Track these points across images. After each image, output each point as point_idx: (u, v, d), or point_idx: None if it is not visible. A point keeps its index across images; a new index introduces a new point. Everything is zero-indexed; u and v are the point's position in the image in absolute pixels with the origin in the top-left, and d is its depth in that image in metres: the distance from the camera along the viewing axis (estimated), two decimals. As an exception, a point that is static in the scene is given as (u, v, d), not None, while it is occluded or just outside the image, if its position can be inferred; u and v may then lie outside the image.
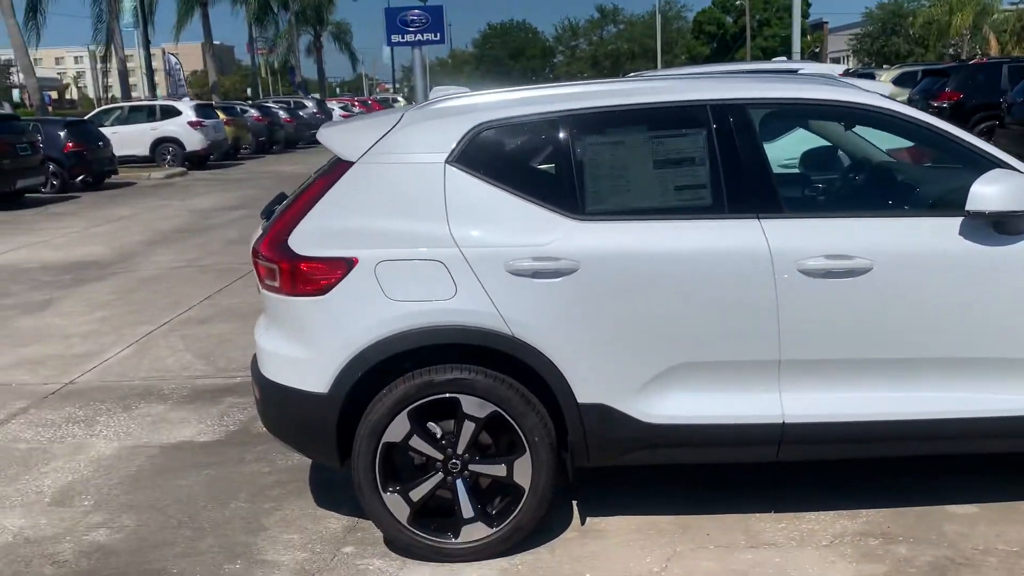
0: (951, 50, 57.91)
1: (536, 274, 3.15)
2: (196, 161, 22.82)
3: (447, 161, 3.26)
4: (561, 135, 3.28)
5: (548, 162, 3.34)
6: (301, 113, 31.75)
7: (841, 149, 4.27)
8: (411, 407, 3.21)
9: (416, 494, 3.30)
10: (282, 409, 3.38)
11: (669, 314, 3.17)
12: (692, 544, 3.37)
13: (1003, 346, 3.16)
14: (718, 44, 68.80)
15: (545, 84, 3.60)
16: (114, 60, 33.01)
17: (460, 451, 3.27)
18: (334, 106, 36.23)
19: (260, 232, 3.52)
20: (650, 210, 3.25)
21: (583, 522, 3.57)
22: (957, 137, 3.22)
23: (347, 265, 3.19)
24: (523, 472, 3.25)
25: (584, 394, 3.19)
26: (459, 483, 3.28)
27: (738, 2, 65.81)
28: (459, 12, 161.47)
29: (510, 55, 71.73)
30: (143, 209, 15.17)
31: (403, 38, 55.00)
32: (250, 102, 33.26)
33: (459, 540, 3.30)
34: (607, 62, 71.10)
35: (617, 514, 3.61)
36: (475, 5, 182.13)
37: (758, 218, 3.16)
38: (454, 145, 3.27)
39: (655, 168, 3.28)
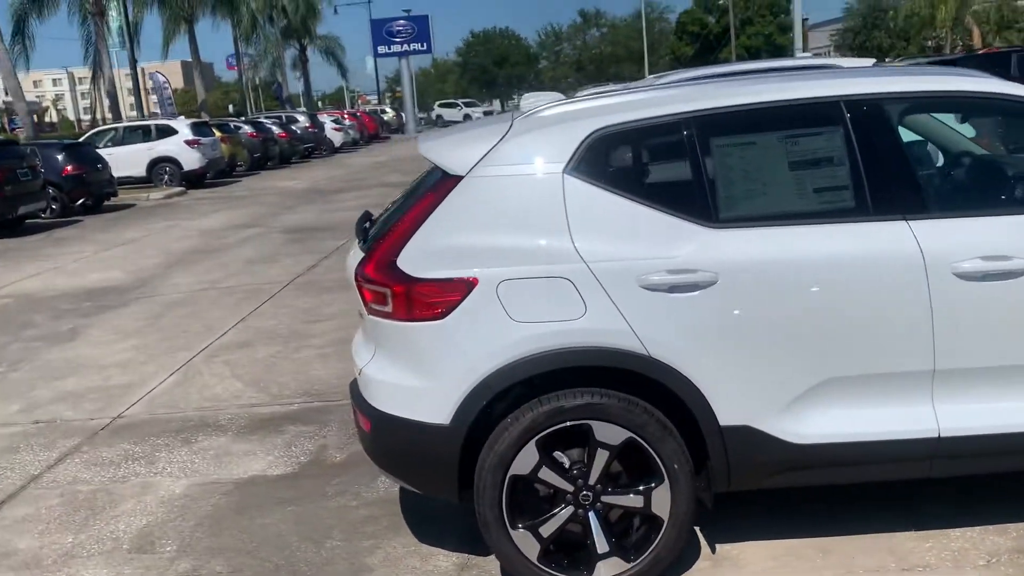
0: (931, 43, 58.23)
1: (673, 288, 2.93)
2: (193, 180, 22.52)
3: (565, 171, 3.05)
4: (686, 138, 3.06)
5: (673, 167, 3.12)
6: (294, 128, 31.46)
7: (933, 143, 4.09)
8: (540, 436, 2.99)
9: (546, 529, 3.07)
10: (398, 443, 3.14)
11: (815, 326, 2.96)
12: (840, 569, 3.16)
13: None
14: (701, 44, 68.89)
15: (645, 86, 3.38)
16: (103, 81, 32.61)
17: (592, 482, 3.04)
18: (325, 119, 35.92)
19: (359, 253, 3.30)
20: (789, 215, 3.03)
21: (713, 550, 3.36)
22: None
23: (467, 286, 2.97)
24: (661, 502, 3.03)
25: (727, 416, 2.98)
26: (591, 516, 3.06)
27: (720, 1, 65.89)
28: (440, 21, 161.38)
29: (494, 62, 71.56)
30: (151, 231, 14.87)
31: (389, 48, 55.00)
32: (243, 118, 32.92)
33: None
34: (591, 66, 71.10)
35: (747, 539, 3.40)
36: (456, 14, 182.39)
37: (905, 219, 2.96)
38: (571, 153, 3.06)
39: (791, 169, 3.07)
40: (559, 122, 3.15)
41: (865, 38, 64.65)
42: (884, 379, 3.00)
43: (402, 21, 49.31)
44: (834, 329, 2.96)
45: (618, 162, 3.09)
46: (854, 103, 3.05)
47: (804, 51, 23.41)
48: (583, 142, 3.06)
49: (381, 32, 49.60)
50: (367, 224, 3.57)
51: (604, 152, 3.07)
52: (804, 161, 3.06)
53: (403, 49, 49.95)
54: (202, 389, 5.98)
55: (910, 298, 2.93)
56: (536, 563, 3.07)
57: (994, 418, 2.99)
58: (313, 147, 32.82)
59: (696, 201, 3.01)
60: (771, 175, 3.08)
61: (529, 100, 3.67)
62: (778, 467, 3.06)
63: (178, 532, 3.92)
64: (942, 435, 2.99)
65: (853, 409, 3.01)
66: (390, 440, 3.16)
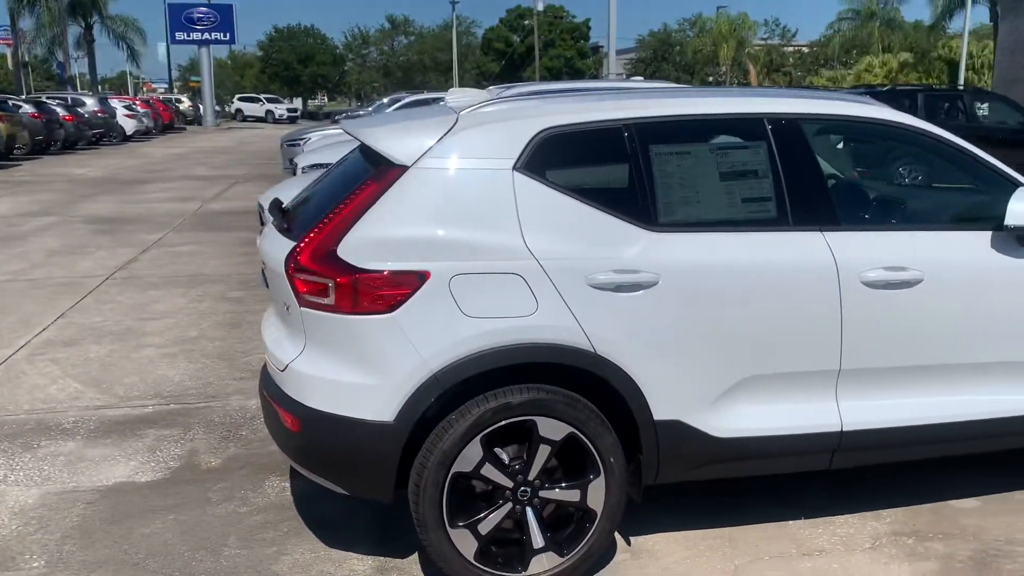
0: (712, 79, 63.22)
1: (618, 287, 3.02)
2: (-37, 161, 20.13)
3: (515, 167, 3.06)
4: (632, 143, 3.16)
5: (618, 171, 3.20)
6: (81, 111, 28.95)
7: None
8: (484, 432, 2.97)
9: (485, 527, 3.05)
10: (333, 442, 2.99)
11: (742, 327, 3.15)
12: (748, 557, 3.37)
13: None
14: (506, 62, 70.60)
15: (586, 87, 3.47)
16: None
17: (531, 477, 3.06)
18: (117, 105, 33.31)
19: (276, 239, 3.14)
20: (720, 222, 3.21)
21: (628, 543, 3.47)
22: (980, 157, 3.46)
23: (418, 279, 2.90)
24: (596, 495, 3.10)
25: (661, 411, 3.10)
26: (528, 511, 3.07)
27: (526, 22, 67.91)
28: (241, 14, 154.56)
29: (298, 60, 69.45)
30: (-79, 215, 13.15)
31: (188, 36, 52.00)
32: (23, 97, 29.88)
33: (527, 572, 3.08)
34: (399, 73, 70.79)
35: (657, 531, 3.54)
36: (258, 7, 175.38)
37: (821, 231, 3.22)
38: (520, 151, 3.08)
39: (722, 180, 3.25)
40: (507, 119, 3.16)
41: (655, 69, 68.89)
42: (795, 377, 3.24)
43: (203, 8, 46.82)
44: (756, 329, 3.16)
45: (566, 162, 3.13)
46: (775, 120, 3.29)
47: (614, 74, 24.69)
48: (531, 140, 3.09)
49: (179, 17, 46.83)
50: (283, 210, 3.39)
51: (552, 152, 3.10)
52: (733, 172, 3.25)
53: (203, 37, 47.44)
54: (32, 390, 5.38)
55: (824, 302, 3.19)
56: (473, 562, 3.04)
57: (889, 413, 3.32)
58: (102, 133, 30.36)
59: (639, 205, 3.12)
60: (705, 183, 3.24)
61: (455, 96, 3.65)
62: (701, 460, 3.22)
63: (42, 546, 3.52)
64: (844, 429, 3.28)
65: (767, 405, 3.23)
66: (324, 439, 3.01)
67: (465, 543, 3.03)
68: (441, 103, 3.67)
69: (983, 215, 3.40)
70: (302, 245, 3.02)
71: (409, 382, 2.91)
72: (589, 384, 3.06)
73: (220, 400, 5.18)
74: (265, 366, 3.46)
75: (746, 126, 3.32)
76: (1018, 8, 28.74)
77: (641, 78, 14.96)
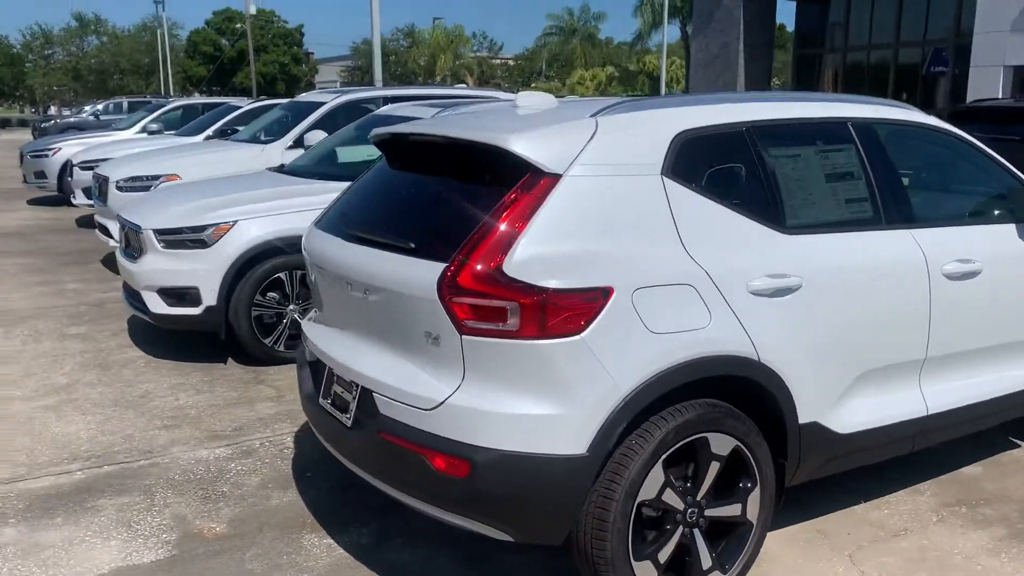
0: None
1: (774, 293, 2.99)
2: None
3: (663, 173, 2.92)
4: (759, 146, 3.15)
5: (747, 174, 3.15)
6: None
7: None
8: (666, 455, 2.80)
9: (664, 555, 2.89)
10: (516, 483, 2.65)
11: (862, 324, 3.26)
12: (851, 545, 3.48)
13: None
14: (216, 67, 66.92)
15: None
16: None
17: (699, 497, 2.94)
18: None
19: (359, 251, 2.85)
20: (834, 223, 3.29)
21: (737, 549, 3.44)
22: (998, 159, 3.87)
23: (603, 296, 2.67)
24: (753, 507, 3.06)
25: (804, 414, 3.12)
26: (695, 532, 2.95)
27: (238, 26, 64.81)
28: None
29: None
30: None
31: None
32: None
33: (698, 595, 2.96)
34: (92, 77, 64.34)
35: (754, 534, 3.55)
36: None
37: (908, 229, 3.42)
38: (663, 155, 2.95)
39: (827, 181, 3.34)
40: (645, 122, 3.01)
41: (371, 78, 69.01)
42: (893, 369, 3.41)
43: None
44: (872, 325, 3.29)
45: (702, 166, 3.04)
46: (859, 124, 3.45)
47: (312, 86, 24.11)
48: (671, 144, 2.97)
49: None
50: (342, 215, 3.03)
51: (689, 155, 3.01)
52: (836, 174, 3.35)
53: None
54: None
55: (919, 295, 3.39)
56: (653, 593, 2.87)
57: (960, 394, 3.60)
58: None
59: (771, 208, 3.11)
60: (816, 186, 3.31)
61: (531, 99, 3.43)
62: (827, 458, 3.28)
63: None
64: (928, 413, 3.51)
65: (872, 399, 3.36)
66: (504, 481, 2.65)
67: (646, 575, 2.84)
68: (521, 106, 3.41)
69: (1010, 211, 3.80)
70: (456, 266, 2.66)
71: (602, 409, 2.67)
72: (742, 395, 3.00)
73: (161, 455, 4.40)
74: (335, 405, 3.05)
75: (839, 131, 3.43)
76: (706, 29, 32.43)
77: (464, 85, 14.73)
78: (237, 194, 5.96)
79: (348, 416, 3.12)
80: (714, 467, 2.93)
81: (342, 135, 7.29)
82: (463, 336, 2.67)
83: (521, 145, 2.81)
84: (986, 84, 22.44)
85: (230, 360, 5.94)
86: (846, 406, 3.27)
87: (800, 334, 3.06)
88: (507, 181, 2.81)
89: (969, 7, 23.41)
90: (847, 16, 29.96)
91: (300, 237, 5.63)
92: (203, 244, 5.60)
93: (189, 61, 69.12)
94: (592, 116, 2.96)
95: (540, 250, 2.67)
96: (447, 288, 2.67)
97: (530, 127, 2.91)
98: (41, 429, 4.74)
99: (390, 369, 2.92)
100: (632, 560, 2.80)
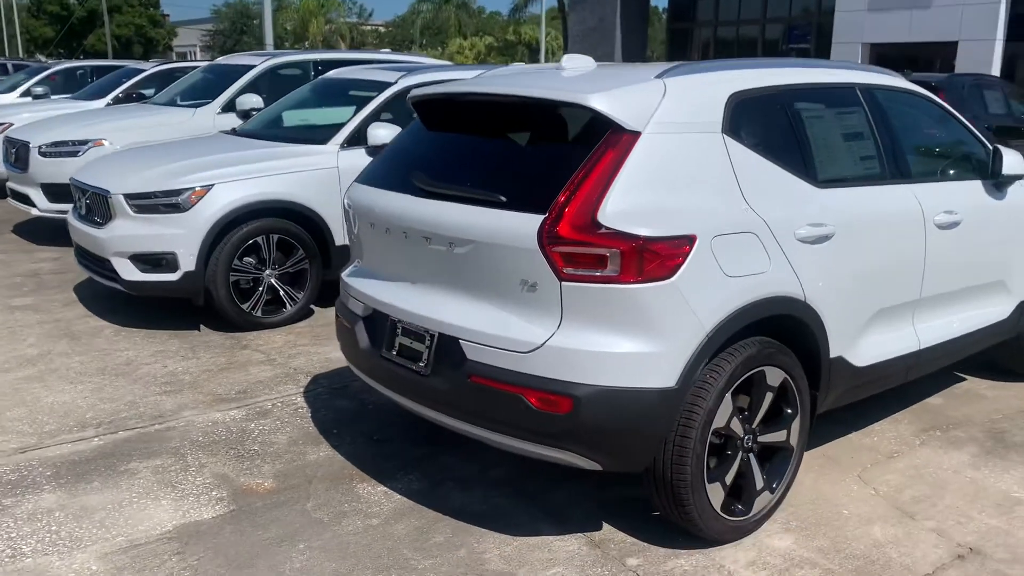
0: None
1: (816, 240, 3.32)
2: None
3: (723, 131, 3.19)
4: (799, 107, 3.46)
5: (786, 132, 3.45)
6: None
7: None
8: (734, 387, 3.10)
9: (728, 477, 3.19)
10: (615, 415, 2.88)
11: (878, 268, 3.65)
12: (858, 466, 3.90)
13: (997, 270, 4.39)
14: (66, 27, 62.64)
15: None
16: None
17: (754, 425, 3.26)
18: None
19: (432, 205, 3.13)
20: (854, 178, 3.66)
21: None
22: (966, 123, 4.35)
23: (689, 243, 2.92)
24: (795, 433, 3.40)
25: (833, 350, 3.48)
26: (751, 457, 3.27)
27: (89, -17, 60.84)
28: None
29: None
30: None
31: None
32: None
33: (752, 513, 3.29)
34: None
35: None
36: None
37: (908, 184, 3.84)
38: (720, 115, 3.22)
39: (845, 140, 3.69)
40: (704, 84, 3.26)
41: (235, 42, 66.40)
42: (896, 308, 3.83)
43: None
44: (884, 269, 3.69)
45: (750, 125, 3.31)
46: (866, 88, 3.83)
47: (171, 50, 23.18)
48: (727, 104, 3.24)
49: None
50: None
51: (740, 115, 3.28)
52: (852, 133, 3.72)
53: None
54: None
55: (918, 242, 3.81)
56: (721, 513, 3.17)
57: (943, 331, 4.07)
58: None
59: (807, 164, 3.44)
60: (838, 143, 3.67)
61: (577, 61, 3.62)
62: (846, 389, 3.67)
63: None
64: (921, 348, 3.96)
65: (878, 335, 3.77)
66: (604, 414, 2.88)
67: (716, 497, 3.14)
68: (568, 68, 3.59)
69: (976, 168, 4.29)
70: (554, 217, 2.85)
71: (690, 346, 2.93)
72: (786, 333, 3.32)
73: (173, 419, 4.37)
74: (404, 356, 3.26)
75: (850, 94, 3.79)
76: (584, 1, 33.12)
77: (388, 50, 14.45)
78: (206, 157, 5.84)
79: (423, 364, 3.25)
80: (768, 397, 3.26)
81: (296, 98, 7.20)
82: (562, 282, 2.87)
83: (606, 104, 3.00)
84: (847, 59, 24.01)
85: (203, 327, 5.85)
86: (862, 342, 3.66)
87: (833, 277, 3.41)
88: (590, 138, 3.00)
89: (830, -15, 24.93)
90: (717, -9, 31.24)
91: (278, 201, 5.68)
92: (178, 208, 5.48)
93: (34, 21, 64.42)
94: (658, 78, 3.18)
95: (629, 201, 2.89)
96: (547, 238, 2.85)
97: (606, 87, 3.10)
98: (32, 400, 4.59)
99: (479, 316, 3.07)
100: (706, 482, 3.08)
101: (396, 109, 6.42)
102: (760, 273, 3.12)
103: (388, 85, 6.36)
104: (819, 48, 26.90)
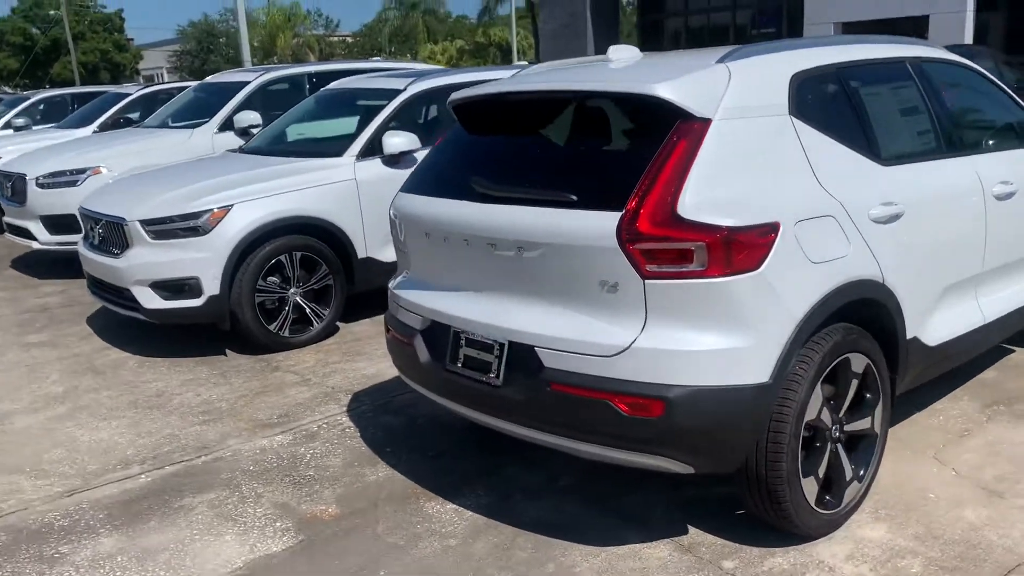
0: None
1: (889, 219, 3.23)
2: None
3: (791, 114, 3.09)
4: (858, 84, 3.37)
5: (849, 110, 3.36)
6: None
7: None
8: (822, 377, 3.00)
9: (821, 470, 3.09)
10: (710, 416, 2.77)
11: (945, 245, 3.57)
12: (932, 447, 3.81)
13: None
14: (30, 57, 61.94)
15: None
16: None
17: (841, 413, 3.16)
18: None
19: (491, 209, 3.04)
20: (916, 153, 3.57)
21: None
22: (1007, 90, 4.28)
23: (773, 231, 2.82)
24: (879, 419, 3.30)
25: (909, 331, 3.39)
26: (840, 447, 3.17)
27: (51, 12, 60.17)
28: None
29: None
30: None
31: None
32: None
33: (843, 504, 3.19)
34: None
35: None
36: None
37: (966, 156, 3.76)
38: (786, 97, 3.12)
39: (903, 116, 3.61)
40: (765, 67, 3.16)
41: (203, 62, 65.93)
42: (961, 284, 3.74)
43: None
44: (952, 244, 3.61)
45: (815, 105, 3.21)
46: (921, 61, 3.75)
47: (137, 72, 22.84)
48: (790, 85, 3.14)
49: None
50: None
51: (804, 95, 3.18)
52: (910, 108, 3.63)
53: None
54: (-71, 496, 3.85)
55: (979, 214, 3.74)
56: (816, 508, 3.07)
57: (1007, 303, 4.00)
58: None
59: (871, 142, 3.35)
60: (898, 120, 3.58)
61: (624, 52, 3.51)
62: (920, 368, 3.58)
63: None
64: (986, 321, 3.88)
65: (948, 312, 3.68)
66: (698, 415, 2.76)
67: (810, 491, 3.04)
68: (615, 59, 3.48)
69: (1021, 135, 4.21)
70: (632, 212, 2.74)
71: (781, 337, 2.83)
72: (864, 316, 3.22)
73: (219, 450, 4.22)
74: (462, 369, 3.19)
75: (901, 69, 3.71)
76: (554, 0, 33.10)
77: (379, 58, 14.20)
78: (220, 178, 5.69)
79: (494, 375, 3.13)
80: (853, 385, 3.16)
81: (300, 111, 7.06)
82: (646, 280, 2.75)
83: (673, 92, 2.89)
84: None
85: (228, 351, 5.70)
86: (933, 321, 3.57)
87: (906, 257, 3.32)
88: (659, 128, 2.90)
89: (800, -31, 25.01)
90: (686, -20, 31.28)
91: (299, 217, 5.55)
92: (198, 231, 5.33)
93: (-2, 53, 63.66)
94: (720, 63, 3.08)
95: (707, 191, 2.78)
96: (626, 235, 2.73)
97: (670, 75, 2.99)
98: (68, 440, 4.43)
99: (555, 322, 2.95)
100: (800, 477, 2.98)
101: (404, 117, 6.30)
102: (842, 257, 3.02)
103: (398, 92, 6.23)
104: (791, 30, 27.01)
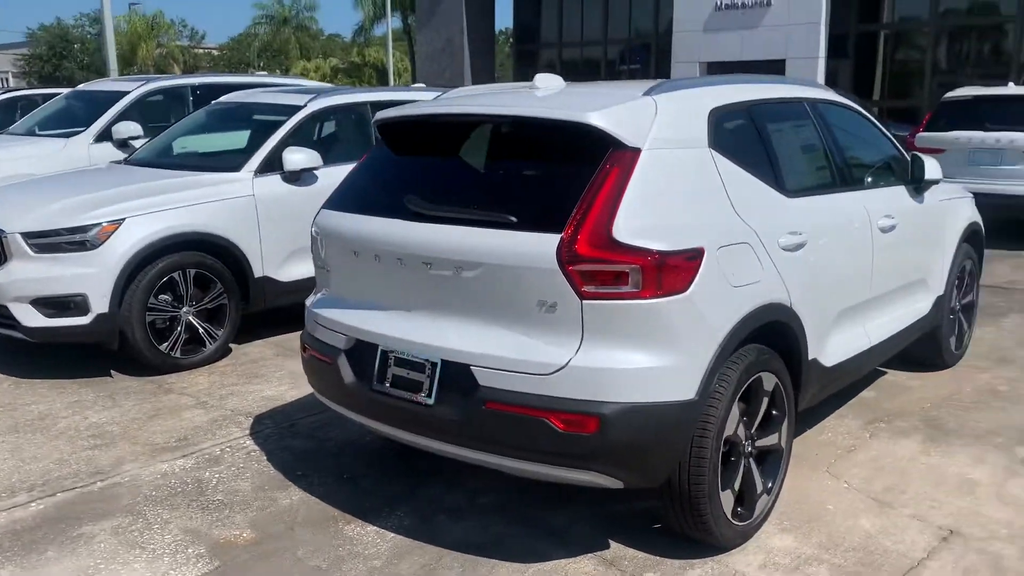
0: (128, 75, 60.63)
1: (794, 248, 3.46)
2: None
3: (709, 146, 3.28)
4: (769, 121, 3.60)
5: (761, 145, 3.57)
6: None
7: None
8: (739, 394, 3.17)
9: (736, 484, 3.26)
10: (641, 431, 2.87)
11: (840, 272, 3.84)
12: (825, 463, 4.07)
13: (920, 269, 4.73)
14: None
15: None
16: None
17: (753, 429, 3.34)
18: None
19: (428, 229, 3.09)
20: (811, 187, 3.83)
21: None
22: (887, 132, 4.65)
23: (699, 255, 2.97)
24: (784, 435, 3.51)
25: (810, 352, 3.63)
26: (751, 461, 3.35)
27: None
28: None
29: None
30: None
31: None
32: None
33: (755, 516, 3.37)
34: None
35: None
36: None
37: (854, 191, 4.07)
38: (706, 130, 3.30)
39: (803, 152, 3.87)
40: (687, 101, 3.33)
41: (54, 68, 62.44)
42: (852, 309, 4.03)
43: None
44: (845, 272, 3.89)
45: (728, 139, 3.40)
46: (818, 102, 4.04)
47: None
48: (709, 120, 3.33)
49: None
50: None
51: (720, 129, 3.38)
52: (808, 145, 3.90)
53: None
54: None
55: (868, 245, 4.05)
56: (732, 520, 3.23)
57: (887, 328, 4.33)
58: None
59: (777, 175, 3.58)
60: (797, 155, 3.84)
61: (548, 81, 3.61)
62: (818, 388, 3.83)
63: None
64: (871, 345, 4.19)
65: (839, 335, 3.96)
66: (629, 431, 2.86)
67: (728, 504, 3.20)
68: (542, 87, 3.56)
69: (899, 174, 4.59)
70: (571, 235, 2.83)
71: (706, 357, 2.97)
72: (773, 338, 3.42)
73: (115, 475, 4.02)
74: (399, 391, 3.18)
75: (800, 108, 3.98)
76: (430, 22, 33.30)
77: (264, 73, 13.69)
78: (109, 190, 5.43)
79: (425, 395, 3.14)
80: (764, 402, 3.35)
81: (191, 124, 6.83)
82: (583, 301, 2.84)
83: (607, 122, 3.01)
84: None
85: (114, 372, 5.41)
86: (829, 343, 3.83)
87: (809, 282, 3.56)
88: (593, 155, 3.01)
89: (666, 9, 26.27)
90: (560, 13, 32.23)
91: (194, 233, 5.38)
92: (86, 246, 5.06)
93: None
94: (646, 95, 3.23)
95: (639, 217, 2.91)
96: (566, 256, 2.82)
97: (603, 105, 3.10)
98: (-55, 467, 4.09)
99: (491, 341, 2.99)
100: (720, 490, 3.13)
101: (302, 133, 6.22)
102: (757, 282, 3.21)
103: (298, 108, 6.14)
104: (660, 68, 28.24)
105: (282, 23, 59.28)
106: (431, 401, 3.13)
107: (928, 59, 24.24)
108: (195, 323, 5.48)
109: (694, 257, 2.95)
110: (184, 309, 5.43)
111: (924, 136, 9.92)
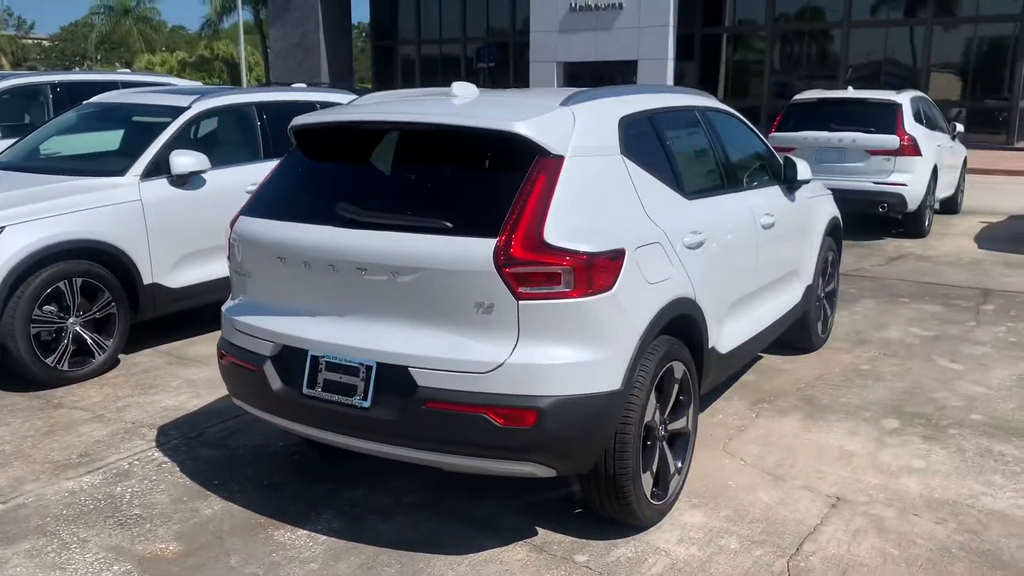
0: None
1: (696, 246, 3.75)
2: None
3: (621, 153, 3.50)
4: (667, 128, 3.87)
5: (659, 151, 3.82)
6: None
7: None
8: (655, 384, 3.42)
9: (654, 466, 3.50)
10: (575, 422, 3.06)
11: (733, 266, 4.17)
12: (720, 442, 4.41)
13: (794, 261, 5.17)
14: None
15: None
16: None
17: (665, 416, 3.60)
18: None
19: (361, 235, 3.18)
20: (704, 189, 4.13)
21: (649, 463, 4.17)
22: (757, 132, 5.05)
23: (620, 256, 3.19)
24: (691, 419, 3.80)
25: (710, 341, 3.93)
26: (664, 445, 3.61)
27: None
28: None
29: None
30: None
31: None
32: None
33: (669, 495, 3.63)
34: None
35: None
36: None
37: (738, 192, 4.42)
38: (617, 138, 3.53)
39: (696, 157, 4.16)
40: (600, 111, 3.54)
41: None
42: (742, 299, 4.38)
43: None
44: (736, 266, 4.22)
45: (636, 145, 3.63)
46: (707, 109, 4.35)
47: None
48: (619, 128, 3.56)
49: None
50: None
51: (628, 136, 3.61)
52: (700, 150, 4.20)
53: None
54: None
55: (753, 241, 4.40)
56: (652, 501, 3.47)
57: (768, 316, 4.71)
58: None
59: (678, 179, 3.85)
60: (692, 159, 4.13)
61: (465, 89, 3.74)
62: (716, 374, 4.14)
63: None
64: (756, 332, 4.56)
65: (732, 325, 4.30)
66: (564, 423, 3.04)
67: (648, 485, 3.44)
68: (459, 95, 3.68)
69: (774, 175, 5.00)
70: (506, 239, 2.99)
71: (629, 349, 3.20)
72: (680, 330, 3.69)
73: (19, 496, 3.86)
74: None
75: (692, 116, 4.28)
76: (284, 17, 32.60)
77: (128, 70, 12.76)
78: (-19, 197, 5.13)
79: (360, 398, 3.21)
80: (675, 390, 3.61)
81: (62, 124, 6.50)
82: (519, 301, 3.00)
83: (532, 130, 3.18)
84: (544, 76, 25.91)
85: (-6, 389, 5.13)
86: (724, 332, 4.15)
87: (708, 277, 3.86)
88: (520, 163, 3.17)
89: (523, 8, 26.80)
90: (418, 10, 32.23)
91: (79, 241, 5.19)
92: (-39, 256, 4.77)
93: None
94: (563, 106, 3.42)
95: (566, 221, 3.10)
96: (502, 259, 2.97)
97: (527, 115, 3.26)
98: None
99: (429, 342, 3.10)
100: (641, 473, 3.37)
101: (186, 135, 6.07)
102: (668, 279, 3.47)
103: (183, 110, 5.98)
104: (517, 67, 28.79)
105: (123, 14, 56.18)
106: (367, 404, 3.20)
107: (766, 61, 25.92)
108: (83, 334, 5.26)
109: (617, 257, 3.16)
110: (71, 320, 5.21)
111: (776, 136, 10.64)
